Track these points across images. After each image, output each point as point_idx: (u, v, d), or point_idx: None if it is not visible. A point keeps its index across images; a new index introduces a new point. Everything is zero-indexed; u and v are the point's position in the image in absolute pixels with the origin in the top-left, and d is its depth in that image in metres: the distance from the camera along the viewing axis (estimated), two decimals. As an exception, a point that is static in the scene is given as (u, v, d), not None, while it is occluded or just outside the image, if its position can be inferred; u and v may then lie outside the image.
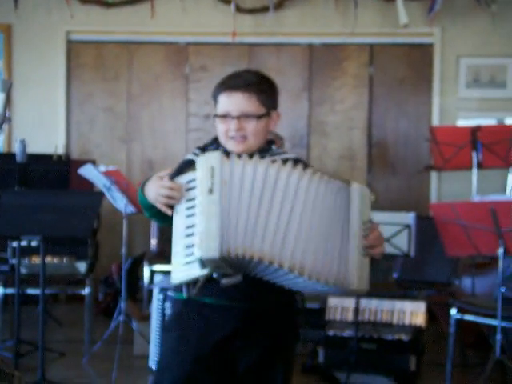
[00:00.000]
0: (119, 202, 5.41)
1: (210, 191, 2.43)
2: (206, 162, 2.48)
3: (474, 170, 6.15)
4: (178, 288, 2.63)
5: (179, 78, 7.76)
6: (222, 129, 2.69)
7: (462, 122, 7.25)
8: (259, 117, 2.67)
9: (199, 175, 2.48)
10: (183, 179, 2.54)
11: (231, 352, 2.65)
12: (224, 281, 2.48)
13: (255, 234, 2.41)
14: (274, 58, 7.64)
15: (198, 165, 2.50)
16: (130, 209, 5.40)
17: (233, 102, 2.66)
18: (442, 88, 7.44)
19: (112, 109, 7.81)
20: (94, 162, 6.33)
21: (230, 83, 2.69)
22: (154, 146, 7.79)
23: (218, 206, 2.41)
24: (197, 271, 2.44)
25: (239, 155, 2.51)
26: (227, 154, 2.52)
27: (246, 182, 2.45)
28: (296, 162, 2.62)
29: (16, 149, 5.68)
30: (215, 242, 2.38)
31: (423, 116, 7.55)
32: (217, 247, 2.37)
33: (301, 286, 2.52)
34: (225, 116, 2.67)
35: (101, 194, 5.15)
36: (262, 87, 2.70)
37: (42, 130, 7.70)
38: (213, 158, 2.49)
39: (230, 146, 2.68)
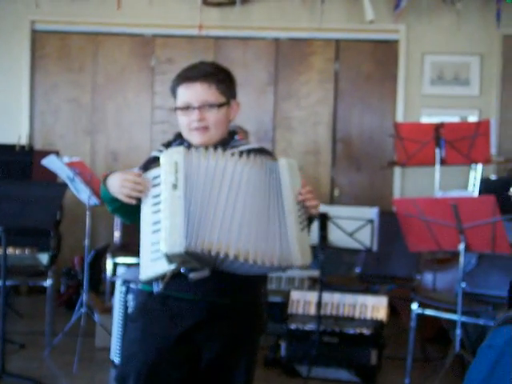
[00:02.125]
0: (83, 193, 5.38)
1: (175, 187, 2.45)
2: (170, 158, 2.50)
3: (437, 167, 6.21)
4: (146, 282, 2.64)
5: (145, 70, 7.73)
6: (184, 121, 2.69)
7: (426, 119, 7.31)
8: (220, 106, 2.67)
9: (163, 171, 2.49)
10: (149, 175, 2.55)
11: (195, 344, 2.66)
12: (191, 275, 2.50)
13: (215, 227, 2.42)
14: (240, 51, 7.64)
15: (161, 160, 2.51)
16: (94, 200, 5.37)
17: (193, 93, 2.67)
18: (406, 84, 7.49)
19: (77, 100, 7.76)
20: (57, 153, 6.28)
21: (188, 74, 2.69)
22: (119, 137, 7.75)
23: (183, 201, 2.43)
24: (164, 267, 2.46)
25: (203, 148, 2.53)
26: (188, 148, 2.54)
27: (206, 176, 2.47)
28: (260, 151, 2.64)
29: (-22, 139, 5.62)
30: (180, 237, 2.39)
31: (387, 112, 7.60)
32: (182, 242, 2.38)
33: (252, 271, 2.52)
34: (186, 108, 2.67)
35: (64, 186, 5.12)
36: (220, 77, 2.71)
37: (5, 120, 7.63)
38: (176, 153, 2.51)
39: (193, 137, 2.68)
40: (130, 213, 2.60)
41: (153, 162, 2.63)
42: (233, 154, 2.52)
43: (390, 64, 7.58)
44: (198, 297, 2.62)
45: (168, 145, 2.75)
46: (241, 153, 2.55)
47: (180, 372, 2.66)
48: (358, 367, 4.99)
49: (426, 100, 7.48)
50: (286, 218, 2.50)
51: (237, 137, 2.78)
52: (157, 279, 2.54)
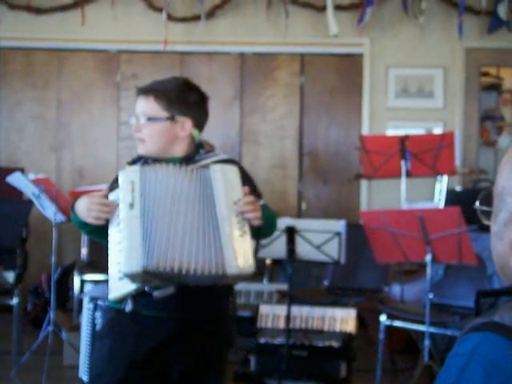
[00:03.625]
0: (48, 210, 5.34)
1: (131, 206, 2.46)
2: (127, 177, 2.52)
3: (403, 179, 6.25)
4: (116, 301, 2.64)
5: (110, 86, 7.70)
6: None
7: (392, 131, 7.36)
8: (153, 119, 2.69)
9: (121, 191, 2.50)
10: (114, 196, 2.57)
11: (165, 359, 2.66)
12: (156, 293, 2.51)
13: (168, 244, 2.43)
14: (206, 66, 7.65)
15: (119, 180, 2.53)
16: (60, 217, 5.34)
17: (138, 105, 2.75)
18: (371, 97, 7.54)
19: (41, 116, 7.71)
20: (22, 170, 6.24)
21: (140, 88, 2.76)
22: (85, 154, 7.71)
23: (139, 220, 2.44)
24: (129, 286, 2.50)
25: (158, 164, 2.55)
26: (147, 163, 2.56)
27: (159, 192, 2.48)
28: (227, 162, 2.66)
29: None
30: (137, 257, 2.41)
31: (353, 125, 7.64)
32: (139, 262, 2.40)
33: (203, 282, 2.52)
34: (135, 119, 2.76)
35: (30, 203, 5.09)
36: (166, 92, 2.73)
37: (-31, 138, 7.56)
38: (132, 172, 2.52)
39: (139, 148, 2.76)
40: (105, 234, 2.61)
41: (117, 182, 2.65)
42: (179, 168, 2.53)
43: (354, 77, 7.63)
44: (164, 314, 2.62)
45: (133, 163, 2.76)
46: (218, 162, 2.57)
47: None
48: (328, 380, 4.98)
49: (391, 113, 7.53)
50: (219, 225, 2.48)
51: (202, 151, 2.78)
52: (125, 298, 2.55)
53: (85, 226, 2.65)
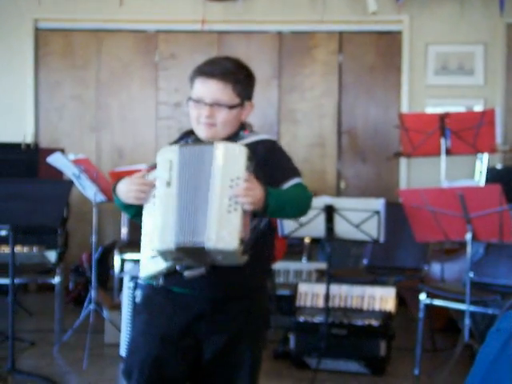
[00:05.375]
0: (89, 190, 5.38)
1: (168, 184, 2.48)
2: (164, 156, 2.52)
3: (443, 157, 6.20)
4: (148, 279, 2.67)
5: (148, 66, 7.73)
6: (193, 114, 2.69)
7: (431, 109, 7.29)
8: (231, 107, 2.67)
9: (158, 168, 2.52)
10: (152, 176, 2.58)
11: (198, 336, 2.67)
12: (186, 273, 2.53)
13: (199, 221, 2.43)
14: (244, 45, 7.64)
15: (157, 159, 2.54)
16: (100, 197, 5.38)
17: (207, 89, 2.66)
18: (410, 75, 7.47)
19: (81, 97, 7.76)
20: (62, 151, 6.30)
21: (207, 69, 2.68)
22: (124, 134, 7.76)
23: (175, 198, 2.45)
24: (161, 264, 2.51)
25: (201, 143, 2.54)
26: (195, 141, 2.56)
27: (195, 172, 2.48)
28: (267, 143, 2.65)
29: (-16, 138, 5.63)
30: (171, 234, 2.42)
31: (392, 103, 7.58)
32: (172, 239, 2.41)
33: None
34: (198, 101, 2.67)
35: (70, 183, 5.13)
36: (239, 77, 2.70)
37: (10, 119, 7.64)
38: (171, 151, 2.53)
39: (200, 130, 2.69)
40: None
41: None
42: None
43: (393, 55, 7.56)
44: (196, 292, 2.63)
45: (174, 142, 2.77)
46: (257, 143, 2.57)
47: (183, 365, 2.67)
48: (367, 359, 4.99)
49: (431, 90, 7.46)
50: (208, 199, 2.45)
51: (242, 132, 2.77)
52: (155, 277, 2.57)
53: (128, 208, 2.67)
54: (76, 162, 5.29)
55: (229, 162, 2.48)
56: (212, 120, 2.66)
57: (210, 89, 2.65)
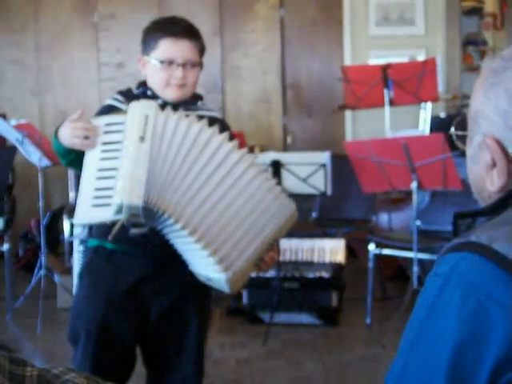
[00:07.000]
0: (33, 155, 5.33)
1: (142, 139, 2.41)
2: (140, 109, 2.46)
3: (387, 107, 6.25)
4: (90, 235, 2.64)
5: (88, 27, 7.61)
6: (161, 76, 2.64)
7: (374, 61, 7.31)
8: (201, 66, 2.68)
9: (130, 121, 2.45)
10: (101, 121, 2.52)
11: (143, 298, 2.67)
12: (133, 230, 2.46)
13: (177, 191, 2.40)
14: (184, 3, 7.55)
15: (130, 110, 2.47)
16: (45, 162, 5.33)
17: (179, 50, 2.63)
18: (352, 27, 7.48)
19: (21, 61, 7.63)
20: (4, 117, 6.20)
21: (175, 29, 2.64)
22: (67, 97, 7.66)
23: (148, 155, 2.39)
24: (105, 215, 2.41)
25: (173, 111, 2.49)
26: (162, 107, 2.51)
27: (176, 138, 2.44)
28: (217, 122, 2.62)
29: None
30: (140, 189, 2.35)
31: (335, 56, 7.59)
32: (141, 195, 2.35)
33: (189, 253, 2.52)
34: (169, 63, 2.63)
35: (14, 149, 5.08)
36: (200, 36, 2.71)
37: (-51, 86, 7.49)
38: (148, 106, 2.48)
39: (168, 92, 2.65)
40: None
41: (109, 109, 2.61)
42: (199, 118, 2.52)
43: (334, 8, 7.55)
44: (140, 251, 2.61)
45: (127, 92, 2.71)
46: (211, 120, 2.55)
47: (130, 326, 2.68)
48: (320, 310, 5.06)
49: (373, 42, 7.48)
50: (256, 240, 2.48)
51: (200, 103, 2.76)
52: (90, 227, 2.52)
53: (67, 154, 2.57)
54: (18, 128, 5.23)
55: (285, 224, 2.57)
56: (184, 80, 2.64)
57: (183, 49, 2.63)
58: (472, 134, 1.20)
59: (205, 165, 2.44)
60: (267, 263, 2.57)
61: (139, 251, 2.61)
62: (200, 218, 2.41)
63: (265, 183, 2.51)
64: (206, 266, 2.48)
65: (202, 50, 2.70)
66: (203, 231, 2.40)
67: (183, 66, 2.62)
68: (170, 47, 2.63)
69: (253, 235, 2.48)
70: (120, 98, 2.66)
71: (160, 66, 2.63)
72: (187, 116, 2.49)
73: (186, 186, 2.41)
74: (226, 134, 2.50)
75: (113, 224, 2.41)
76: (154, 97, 2.63)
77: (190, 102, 2.68)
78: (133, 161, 2.39)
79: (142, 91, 2.68)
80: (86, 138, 2.49)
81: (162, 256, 2.62)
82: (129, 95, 2.68)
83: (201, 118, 2.53)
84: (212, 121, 2.56)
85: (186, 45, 2.63)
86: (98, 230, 2.67)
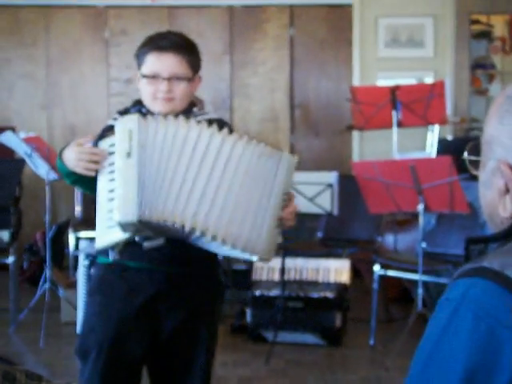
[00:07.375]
0: (41, 168, 5.34)
1: (128, 155, 2.44)
2: (124, 125, 2.49)
3: (394, 129, 6.25)
4: (102, 252, 2.64)
5: (99, 43, 7.65)
6: (149, 90, 2.65)
7: (383, 82, 7.33)
8: (188, 80, 2.66)
9: (117, 139, 2.48)
10: (105, 144, 2.54)
11: (155, 315, 2.66)
12: (146, 244, 2.50)
13: (170, 198, 2.42)
14: (195, 20, 7.59)
15: (116, 128, 2.51)
16: (53, 175, 5.34)
17: (164, 63, 2.64)
18: (361, 48, 7.50)
19: (31, 75, 7.66)
20: (13, 129, 6.22)
21: (160, 44, 2.66)
22: (76, 111, 7.69)
23: (136, 169, 2.42)
24: (119, 235, 2.46)
25: (161, 116, 2.52)
26: (145, 115, 2.53)
27: (164, 144, 2.46)
28: (219, 123, 2.64)
29: None
30: (133, 205, 2.39)
31: (344, 76, 7.61)
32: (134, 211, 2.38)
33: (213, 247, 2.53)
34: (154, 77, 2.64)
35: (22, 162, 5.09)
36: (191, 50, 2.70)
37: (-42, 98, 7.52)
38: (130, 120, 2.50)
39: (157, 106, 2.65)
40: (90, 183, 2.58)
41: (108, 130, 2.62)
42: (199, 122, 2.52)
43: (344, 28, 7.58)
44: (153, 266, 2.62)
45: (125, 112, 2.72)
46: (209, 122, 2.55)
47: (141, 344, 2.67)
48: (324, 330, 5.05)
49: (382, 63, 7.50)
50: (268, 209, 2.50)
51: (195, 109, 2.77)
52: (112, 247, 2.54)
53: (71, 175, 2.60)
54: (27, 141, 5.24)
55: (289, 177, 2.57)
56: (171, 94, 2.64)
57: (167, 63, 2.63)
58: (485, 160, 1.21)
59: (190, 160, 2.45)
60: (289, 219, 2.58)
61: (153, 267, 2.62)
62: (204, 215, 2.42)
63: (255, 150, 2.52)
64: (235, 254, 2.54)
65: (194, 64, 2.69)
66: (214, 227, 2.42)
67: (168, 79, 2.63)
68: (155, 62, 2.65)
69: (264, 207, 2.50)
70: (118, 117, 2.68)
71: (146, 81, 2.65)
72: (165, 117, 2.52)
73: (178, 188, 2.43)
74: (204, 125, 2.51)
75: (128, 242, 2.48)
76: (149, 113, 2.64)
77: (185, 112, 2.68)
78: (122, 178, 2.44)
79: (138, 109, 2.69)
80: (94, 162, 2.51)
81: (175, 271, 2.63)
82: (126, 113, 2.69)
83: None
84: (210, 122, 2.57)
85: (170, 58, 2.63)
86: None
